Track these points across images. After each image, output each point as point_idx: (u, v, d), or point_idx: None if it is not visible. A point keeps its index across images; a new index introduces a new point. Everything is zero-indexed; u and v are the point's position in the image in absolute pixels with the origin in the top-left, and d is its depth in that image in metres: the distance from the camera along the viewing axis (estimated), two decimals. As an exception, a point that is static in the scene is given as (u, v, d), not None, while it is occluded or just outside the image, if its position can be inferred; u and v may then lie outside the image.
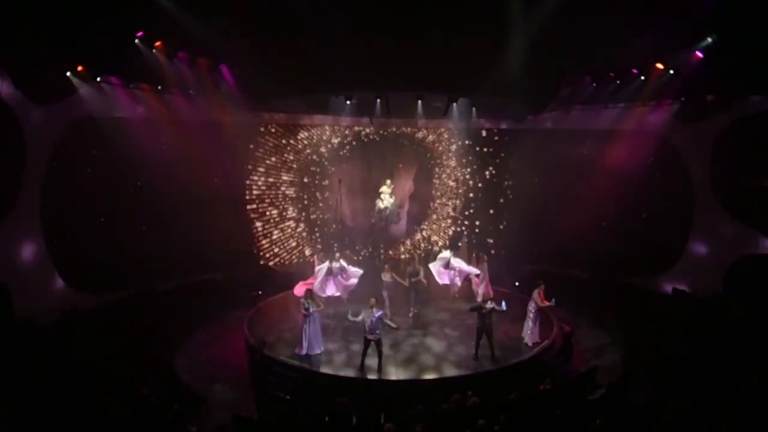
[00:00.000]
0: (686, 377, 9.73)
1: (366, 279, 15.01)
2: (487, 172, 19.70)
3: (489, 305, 11.45)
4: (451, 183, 19.94)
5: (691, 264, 15.48)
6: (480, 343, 11.56)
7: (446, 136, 19.69)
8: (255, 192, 18.40)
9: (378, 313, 10.91)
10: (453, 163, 19.83)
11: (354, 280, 13.99)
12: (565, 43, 11.90)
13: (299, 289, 13.14)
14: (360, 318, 11.00)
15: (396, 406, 9.20)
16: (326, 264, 13.77)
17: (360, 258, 18.32)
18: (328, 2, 11.31)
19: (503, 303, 11.55)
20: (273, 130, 18.41)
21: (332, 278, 13.77)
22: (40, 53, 10.79)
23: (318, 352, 11.68)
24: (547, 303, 12.22)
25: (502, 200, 19.61)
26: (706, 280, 14.66)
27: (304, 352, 11.57)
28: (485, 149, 19.59)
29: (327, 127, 18.96)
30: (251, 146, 18.04)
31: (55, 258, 13.37)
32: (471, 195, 19.86)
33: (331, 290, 13.82)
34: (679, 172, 15.73)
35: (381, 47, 11.70)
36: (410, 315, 13.92)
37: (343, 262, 13.96)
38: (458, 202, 19.94)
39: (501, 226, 19.56)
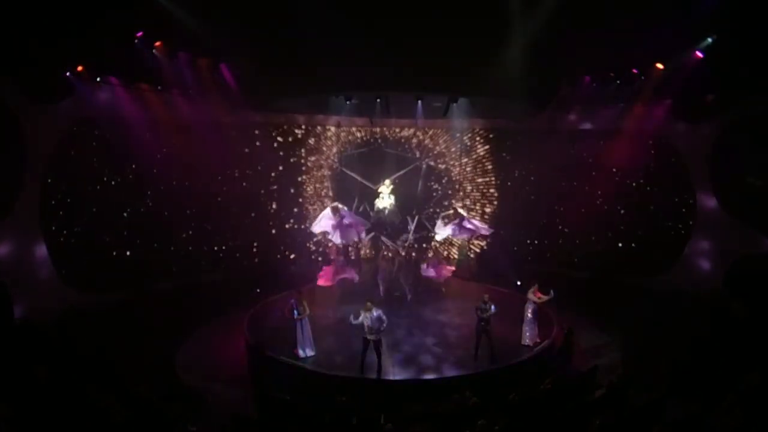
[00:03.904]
0: (686, 377, 9.74)
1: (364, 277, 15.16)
2: (486, 172, 19.72)
3: (489, 310, 11.43)
4: (468, 185, 20.00)
5: (691, 264, 15.48)
6: (480, 343, 11.56)
7: (446, 137, 19.70)
8: (254, 191, 18.41)
9: (375, 313, 10.91)
10: (453, 162, 19.84)
11: (361, 228, 15.11)
12: (565, 43, 11.91)
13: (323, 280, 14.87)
14: (360, 320, 11.02)
15: (396, 406, 9.19)
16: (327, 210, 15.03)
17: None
18: (328, 2, 11.31)
19: (492, 306, 11.53)
20: (273, 130, 18.42)
21: (339, 227, 14.68)
22: (40, 53, 10.79)
23: (310, 354, 11.67)
24: (545, 297, 12.21)
25: (500, 200, 19.62)
26: (706, 280, 14.66)
27: (301, 354, 11.58)
28: (485, 149, 19.60)
29: (328, 127, 19.01)
30: (251, 146, 18.04)
31: (55, 258, 13.37)
32: (472, 196, 19.88)
33: (338, 238, 14.91)
34: (679, 172, 15.74)
35: (381, 47, 11.71)
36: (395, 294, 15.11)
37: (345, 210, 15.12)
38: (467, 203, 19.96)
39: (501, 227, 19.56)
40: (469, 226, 15.23)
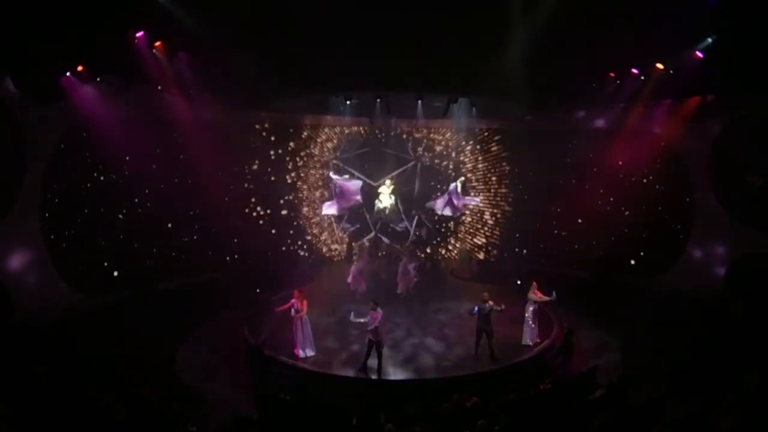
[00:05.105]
0: (686, 377, 9.73)
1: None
2: (485, 173, 19.71)
3: (488, 306, 11.45)
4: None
5: (691, 264, 15.48)
6: (480, 343, 11.56)
7: (446, 137, 19.69)
8: (253, 191, 18.40)
9: (378, 315, 10.89)
10: (460, 161, 19.82)
11: (357, 197, 15.44)
12: (564, 43, 11.90)
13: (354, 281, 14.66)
14: (363, 320, 11.00)
15: (396, 406, 9.19)
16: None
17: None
18: (329, 3, 11.31)
19: (483, 305, 11.52)
20: (272, 130, 18.42)
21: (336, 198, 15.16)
22: (40, 53, 10.78)
23: (310, 354, 11.67)
24: (546, 297, 12.18)
25: (501, 200, 19.61)
26: (706, 280, 14.66)
27: (301, 354, 11.58)
28: (485, 149, 19.59)
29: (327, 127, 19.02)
30: (250, 146, 18.03)
31: (55, 258, 13.37)
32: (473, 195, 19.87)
33: (332, 210, 15.65)
34: (679, 171, 15.74)
35: (381, 47, 11.71)
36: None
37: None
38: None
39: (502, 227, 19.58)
40: (449, 206, 15.55)
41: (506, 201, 19.53)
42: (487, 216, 19.83)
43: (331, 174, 16.01)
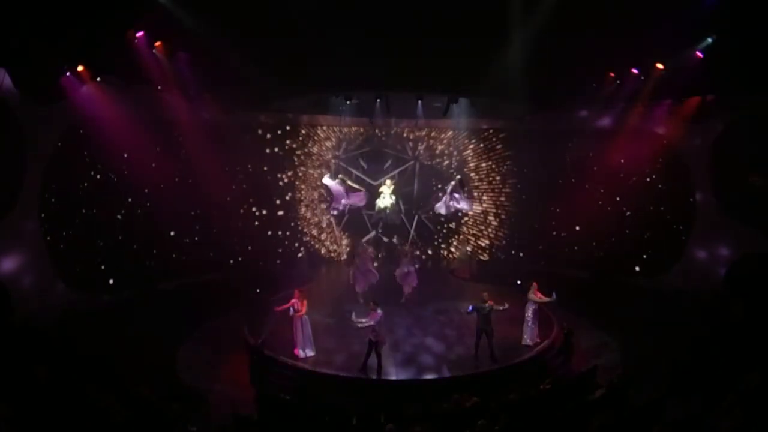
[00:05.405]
0: (686, 377, 9.73)
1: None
2: (486, 173, 19.71)
3: (488, 305, 11.44)
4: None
5: (691, 264, 15.48)
6: (480, 343, 11.55)
7: (446, 137, 19.68)
8: (253, 192, 18.39)
9: (378, 315, 10.89)
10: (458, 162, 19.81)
11: (361, 195, 15.53)
12: (565, 43, 11.91)
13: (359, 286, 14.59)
14: (364, 320, 11.00)
15: (396, 406, 9.19)
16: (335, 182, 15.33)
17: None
18: (329, 3, 11.32)
19: (482, 304, 11.48)
20: (272, 130, 18.41)
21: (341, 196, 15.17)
22: (40, 53, 10.78)
23: (310, 354, 11.67)
24: (546, 298, 12.18)
25: (506, 200, 19.61)
26: (706, 280, 14.65)
27: (301, 354, 11.58)
28: (486, 149, 19.58)
29: (326, 127, 19.01)
30: (250, 146, 18.03)
31: (55, 258, 13.36)
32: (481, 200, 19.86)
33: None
34: (679, 171, 15.74)
35: (381, 47, 11.72)
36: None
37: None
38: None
39: (502, 226, 19.57)
40: (444, 204, 15.43)
41: (509, 201, 19.51)
42: (491, 217, 19.80)
43: (324, 179, 15.80)
